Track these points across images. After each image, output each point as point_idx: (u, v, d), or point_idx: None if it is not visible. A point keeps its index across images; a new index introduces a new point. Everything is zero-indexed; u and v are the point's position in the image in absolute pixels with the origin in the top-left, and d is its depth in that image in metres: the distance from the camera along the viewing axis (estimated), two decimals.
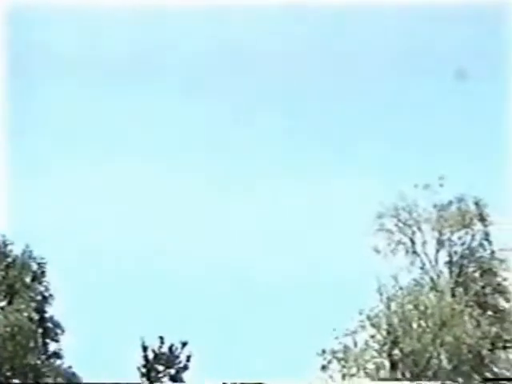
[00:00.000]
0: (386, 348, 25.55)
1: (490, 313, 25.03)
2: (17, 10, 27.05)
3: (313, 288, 27.92)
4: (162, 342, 25.60)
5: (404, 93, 32.80)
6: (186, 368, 25.68)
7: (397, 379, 24.59)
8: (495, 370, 25.39)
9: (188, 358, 25.70)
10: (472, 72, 29.33)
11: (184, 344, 25.71)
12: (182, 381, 25.53)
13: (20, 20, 28.37)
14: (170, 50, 34.07)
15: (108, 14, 30.65)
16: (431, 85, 32.48)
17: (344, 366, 25.17)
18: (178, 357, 25.71)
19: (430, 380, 25.07)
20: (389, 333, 25.47)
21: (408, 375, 25.04)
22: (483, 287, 25.90)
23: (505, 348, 25.03)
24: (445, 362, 24.43)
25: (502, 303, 25.63)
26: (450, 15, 28.04)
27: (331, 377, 24.90)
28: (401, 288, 26.46)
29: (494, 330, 24.47)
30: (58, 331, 27.34)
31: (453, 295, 25.54)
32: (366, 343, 25.67)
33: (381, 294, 26.08)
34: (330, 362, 25.18)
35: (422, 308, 25.49)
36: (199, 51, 33.13)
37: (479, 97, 31.72)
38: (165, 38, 33.04)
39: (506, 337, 24.75)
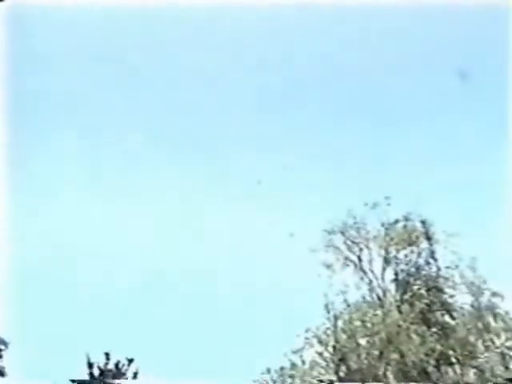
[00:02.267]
0: (332, 365, 25.74)
1: (435, 330, 25.30)
2: None
3: (260, 304, 27.88)
4: (108, 359, 25.34)
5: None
6: None
7: None
8: None
9: (135, 375, 25.50)
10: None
11: (130, 360, 25.49)
12: None
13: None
14: None
15: None
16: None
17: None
18: (124, 374, 25.47)
19: None
20: (336, 350, 25.68)
21: None
22: (429, 304, 26.19)
23: (450, 364, 25.33)
24: (391, 379, 24.67)
25: (448, 320, 25.96)
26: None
27: None
28: (348, 305, 26.74)
29: (439, 347, 24.78)
30: (2, 347, 26.85)
31: (399, 312, 25.83)
32: (314, 360, 25.84)
33: (328, 311, 26.31)
34: (275, 381, 25.28)
35: (368, 325, 25.77)
36: None
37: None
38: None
39: (452, 353, 25.04)
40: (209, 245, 28.82)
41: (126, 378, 25.29)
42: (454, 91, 31.95)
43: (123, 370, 25.34)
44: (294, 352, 25.80)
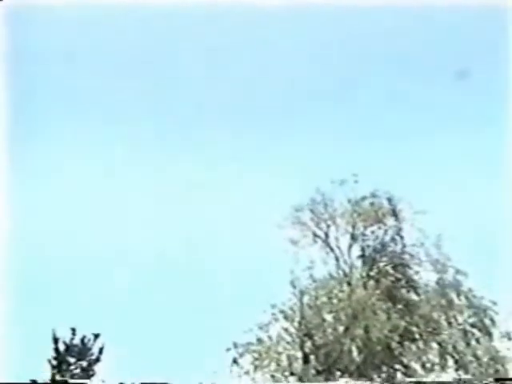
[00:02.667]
0: (298, 340, 25.93)
1: (400, 306, 25.55)
2: None
3: (229, 279, 27.95)
4: (74, 334, 25.28)
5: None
6: (98, 360, 25.43)
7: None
8: (404, 362, 26.05)
9: (100, 350, 25.47)
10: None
11: (96, 336, 25.45)
12: (93, 373, 25.27)
13: None
14: None
15: None
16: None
17: (256, 359, 25.43)
18: (90, 349, 25.44)
19: (341, 372, 25.59)
20: (301, 325, 25.86)
21: (320, 368, 25.48)
22: (394, 281, 26.42)
23: (413, 340, 25.64)
24: (355, 355, 24.92)
25: (413, 297, 26.23)
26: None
27: (244, 369, 25.16)
28: (315, 281, 26.90)
29: (403, 323, 25.04)
30: None
31: (365, 288, 26.01)
32: (279, 336, 26.01)
33: (294, 287, 26.45)
34: (242, 355, 25.42)
35: (334, 301, 25.96)
36: None
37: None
38: None
39: (415, 330, 25.32)
40: (172, 223, 28.85)
41: (92, 354, 25.29)
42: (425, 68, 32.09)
43: (89, 345, 25.31)
44: (260, 327, 25.96)
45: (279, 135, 31.54)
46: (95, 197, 29.90)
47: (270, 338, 25.76)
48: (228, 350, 25.12)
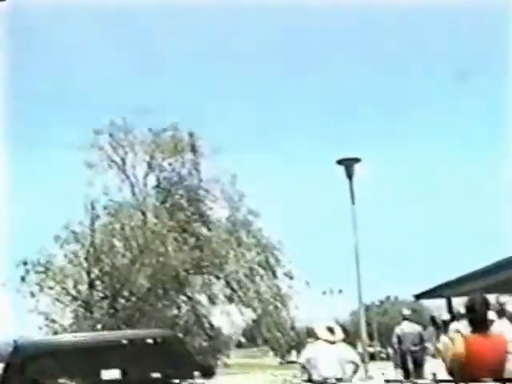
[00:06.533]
0: (86, 265, 25.46)
1: (192, 239, 25.85)
2: None
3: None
4: None
5: None
6: None
7: None
8: (189, 293, 26.55)
9: None
10: None
11: None
12: None
13: None
14: None
15: None
16: None
17: (42, 280, 24.69)
18: None
19: (125, 300, 25.56)
20: (91, 250, 25.39)
21: (108, 293, 25.26)
22: (188, 215, 26.64)
23: (202, 273, 26.17)
24: (143, 282, 24.95)
25: (204, 231, 26.63)
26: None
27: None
28: (107, 207, 26.45)
29: (193, 255, 25.41)
30: None
31: (158, 219, 26.02)
32: (68, 258, 25.40)
33: (88, 211, 25.86)
34: (28, 272, 24.56)
35: (127, 228, 25.71)
36: None
37: None
38: None
39: (204, 263, 25.81)
40: None
41: None
42: None
43: None
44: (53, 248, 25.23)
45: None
46: None
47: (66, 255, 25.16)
48: (17, 265, 24.15)
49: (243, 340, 72.54)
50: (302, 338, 24.31)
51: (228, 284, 26.03)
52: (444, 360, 9.45)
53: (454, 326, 11.72)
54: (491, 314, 7.91)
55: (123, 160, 27.18)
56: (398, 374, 16.05)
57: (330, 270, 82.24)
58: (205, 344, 26.11)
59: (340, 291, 61.54)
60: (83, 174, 25.77)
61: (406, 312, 16.52)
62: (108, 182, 26.50)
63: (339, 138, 53.47)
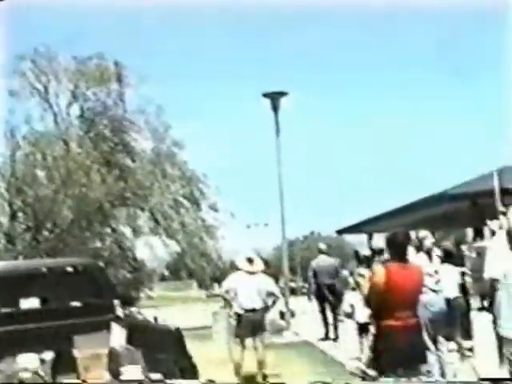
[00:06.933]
0: (8, 196, 24.94)
1: (116, 171, 25.52)
2: None
3: None
4: None
5: None
6: None
7: None
8: (113, 225, 26.37)
9: None
10: None
11: None
12: None
13: None
14: None
15: None
16: None
17: None
18: None
19: (49, 232, 25.23)
20: (12, 181, 24.85)
21: (30, 225, 24.86)
22: (112, 146, 26.24)
23: (127, 205, 25.96)
24: (67, 214, 24.60)
25: (129, 163, 26.31)
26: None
27: None
28: (28, 136, 25.81)
29: (118, 187, 25.12)
30: None
31: (81, 149, 25.58)
32: None
33: (7, 140, 25.23)
34: None
35: (49, 158, 25.21)
36: None
37: None
38: None
39: (128, 194, 25.57)
40: None
41: None
42: None
43: None
44: None
45: None
46: None
47: None
48: None
49: (167, 273, 72.99)
50: (226, 271, 24.49)
51: (152, 216, 25.92)
52: (362, 291, 9.68)
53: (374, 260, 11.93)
54: (411, 250, 8.05)
55: (46, 88, 26.49)
56: (314, 306, 16.37)
57: (256, 204, 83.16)
58: (128, 276, 26.10)
59: (266, 225, 62.05)
60: (4, 101, 25.07)
61: (322, 246, 16.70)
62: (30, 110, 25.92)
63: (266, 72, 53.24)
